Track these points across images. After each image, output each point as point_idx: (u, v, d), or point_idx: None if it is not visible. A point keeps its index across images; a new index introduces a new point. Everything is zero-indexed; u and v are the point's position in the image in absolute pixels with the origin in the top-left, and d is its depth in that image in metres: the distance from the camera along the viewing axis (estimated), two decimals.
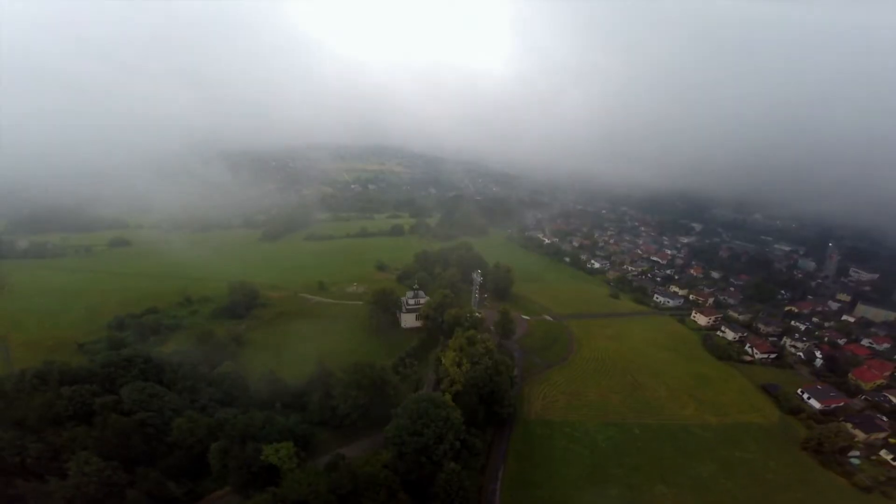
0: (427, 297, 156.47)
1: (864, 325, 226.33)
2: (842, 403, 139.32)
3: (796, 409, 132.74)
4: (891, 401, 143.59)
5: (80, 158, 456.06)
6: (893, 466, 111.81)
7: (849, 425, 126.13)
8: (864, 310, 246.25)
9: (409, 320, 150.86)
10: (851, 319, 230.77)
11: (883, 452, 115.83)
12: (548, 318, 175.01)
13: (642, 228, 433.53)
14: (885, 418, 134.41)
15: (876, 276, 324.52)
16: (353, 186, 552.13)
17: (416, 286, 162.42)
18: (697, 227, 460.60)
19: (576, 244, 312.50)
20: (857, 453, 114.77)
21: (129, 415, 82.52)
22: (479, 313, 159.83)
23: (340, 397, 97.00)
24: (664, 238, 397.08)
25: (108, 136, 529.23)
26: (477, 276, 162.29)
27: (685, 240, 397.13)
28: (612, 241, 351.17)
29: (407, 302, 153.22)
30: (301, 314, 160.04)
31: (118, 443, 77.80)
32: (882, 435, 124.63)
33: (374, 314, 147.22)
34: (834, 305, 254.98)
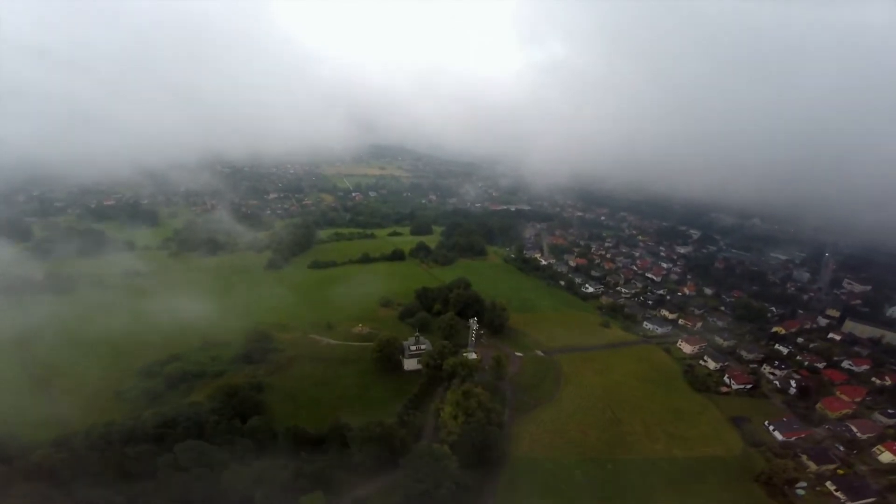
0: (427, 342, 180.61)
1: (850, 342, 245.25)
2: (803, 435, 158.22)
3: (759, 442, 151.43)
4: (852, 430, 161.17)
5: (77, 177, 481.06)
6: (836, 497, 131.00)
7: (804, 457, 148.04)
8: (851, 326, 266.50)
9: (411, 364, 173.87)
10: (837, 337, 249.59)
11: (828, 484, 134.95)
12: (539, 353, 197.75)
13: (640, 238, 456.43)
14: (841, 448, 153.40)
15: (868, 287, 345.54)
16: (354, 194, 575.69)
17: (416, 333, 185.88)
18: (695, 234, 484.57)
19: (572, 264, 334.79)
20: (805, 484, 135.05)
21: (186, 470, 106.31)
22: (476, 353, 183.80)
23: (355, 448, 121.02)
24: (661, 248, 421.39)
25: (101, 154, 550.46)
26: (473, 323, 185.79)
27: (682, 250, 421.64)
28: (608, 255, 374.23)
29: (409, 348, 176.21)
30: (312, 357, 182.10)
31: (181, 494, 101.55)
32: (832, 466, 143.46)
33: (380, 360, 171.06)
34: (823, 321, 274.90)
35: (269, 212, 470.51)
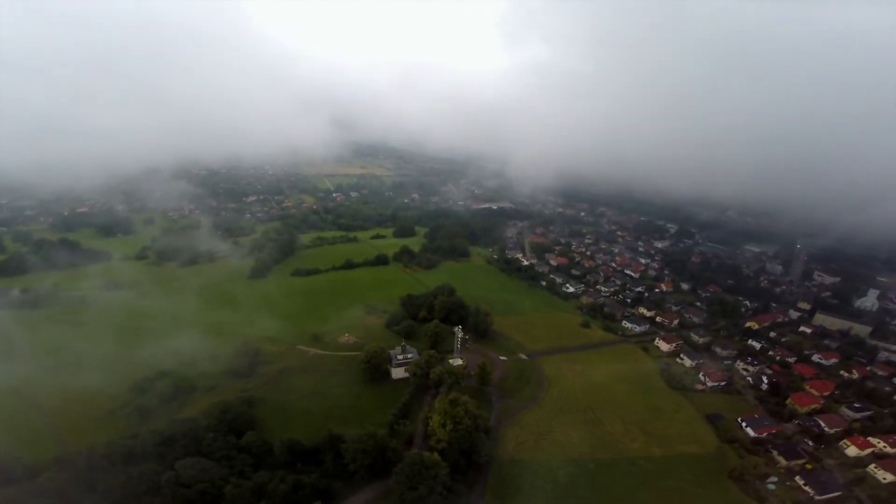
0: (414, 351, 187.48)
1: (820, 335, 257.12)
2: (774, 431, 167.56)
3: (732, 439, 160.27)
4: (820, 425, 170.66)
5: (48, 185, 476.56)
6: (804, 491, 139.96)
7: (775, 452, 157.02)
8: (821, 319, 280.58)
9: (398, 373, 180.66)
10: (808, 330, 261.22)
11: (797, 478, 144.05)
12: (522, 356, 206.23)
13: (619, 233, 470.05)
14: (810, 443, 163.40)
15: (838, 279, 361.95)
16: (335, 195, 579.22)
17: (403, 342, 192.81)
18: (673, 228, 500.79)
19: (553, 263, 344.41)
20: (775, 479, 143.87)
21: (189, 486, 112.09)
22: (461, 359, 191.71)
23: (350, 459, 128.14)
24: (639, 243, 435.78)
25: (73, 161, 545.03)
26: (458, 330, 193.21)
27: (660, 244, 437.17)
28: (588, 252, 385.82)
29: (396, 357, 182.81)
30: (301, 369, 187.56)
31: None
32: (801, 461, 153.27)
33: (368, 370, 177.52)
34: (794, 314, 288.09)
35: (248, 215, 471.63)
